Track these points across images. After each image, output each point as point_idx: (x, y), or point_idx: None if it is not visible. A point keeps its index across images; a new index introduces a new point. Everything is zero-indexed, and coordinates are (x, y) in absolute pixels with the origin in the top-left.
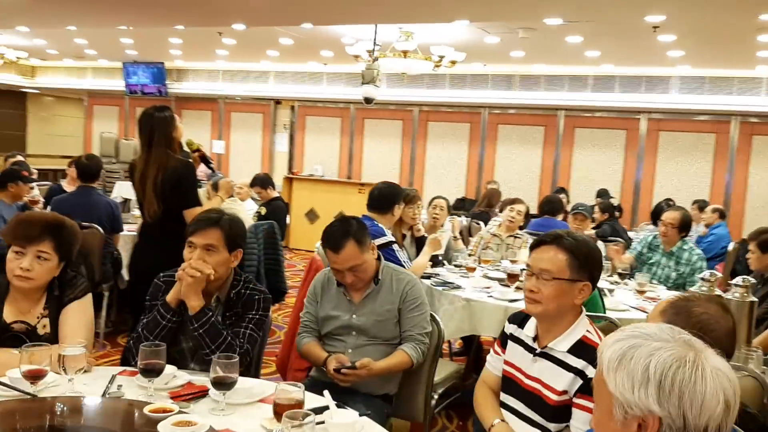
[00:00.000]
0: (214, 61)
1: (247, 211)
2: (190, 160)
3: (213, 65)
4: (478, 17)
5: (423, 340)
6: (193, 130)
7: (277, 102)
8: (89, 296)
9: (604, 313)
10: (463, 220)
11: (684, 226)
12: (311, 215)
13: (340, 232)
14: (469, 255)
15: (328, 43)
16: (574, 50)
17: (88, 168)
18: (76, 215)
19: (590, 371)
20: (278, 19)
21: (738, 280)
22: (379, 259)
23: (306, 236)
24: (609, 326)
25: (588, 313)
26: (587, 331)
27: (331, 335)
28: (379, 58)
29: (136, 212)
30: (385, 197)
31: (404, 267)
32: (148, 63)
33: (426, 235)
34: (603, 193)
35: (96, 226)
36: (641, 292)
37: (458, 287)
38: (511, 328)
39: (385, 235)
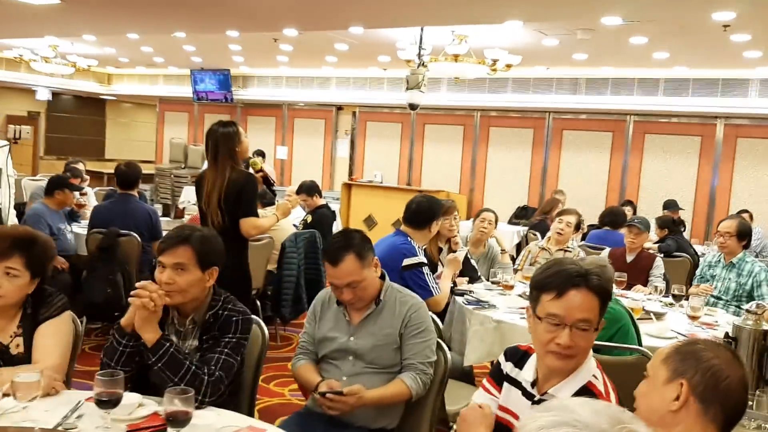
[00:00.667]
0: (276, 67)
1: (291, 220)
2: (251, 173)
3: (276, 72)
4: (530, 17)
5: (425, 370)
6: (257, 137)
7: (339, 108)
8: (66, 314)
9: (640, 343)
10: (521, 230)
11: (742, 234)
12: (369, 222)
13: (340, 245)
14: (516, 271)
15: (384, 48)
16: (641, 52)
17: (126, 176)
18: (114, 223)
19: None
20: (327, 23)
21: (752, 305)
22: (383, 278)
23: None
24: (641, 360)
25: (617, 345)
26: (593, 376)
27: (327, 359)
28: (428, 63)
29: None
30: (422, 212)
31: (433, 293)
32: (215, 70)
33: (463, 247)
34: (670, 204)
35: (133, 233)
36: (694, 318)
37: (492, 306)
38: (507, 367)
39: (416, 255)
